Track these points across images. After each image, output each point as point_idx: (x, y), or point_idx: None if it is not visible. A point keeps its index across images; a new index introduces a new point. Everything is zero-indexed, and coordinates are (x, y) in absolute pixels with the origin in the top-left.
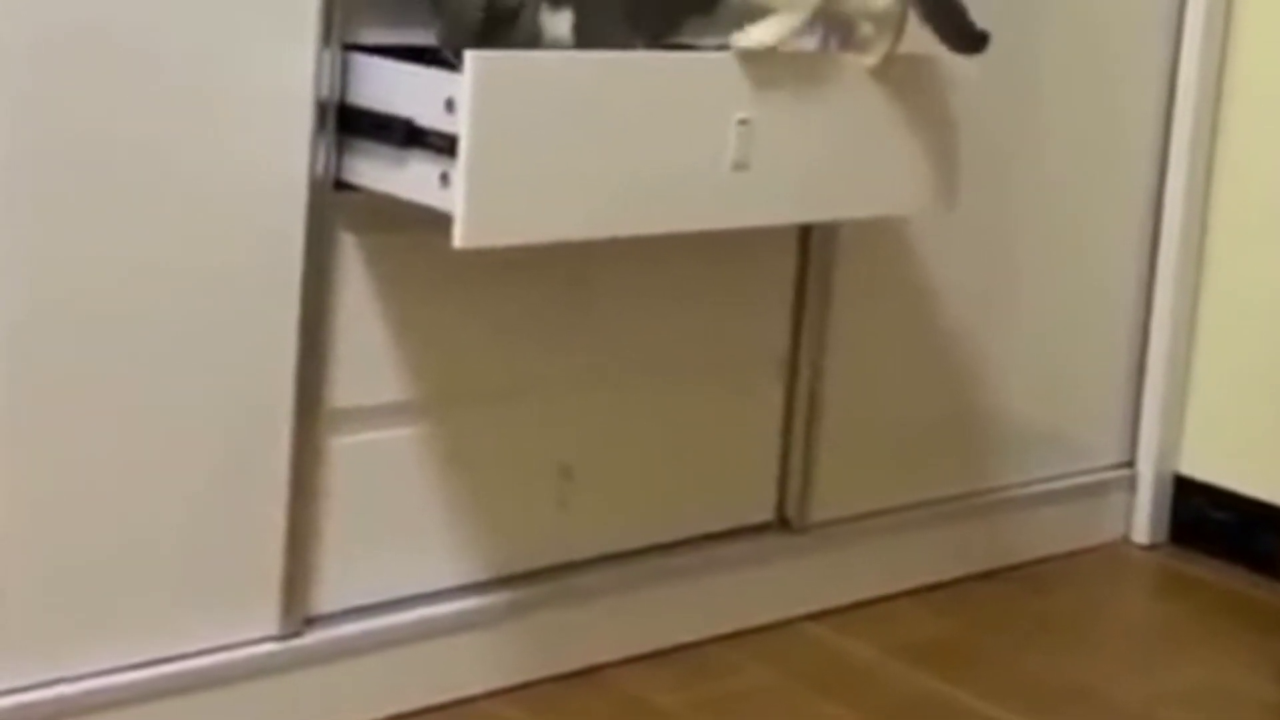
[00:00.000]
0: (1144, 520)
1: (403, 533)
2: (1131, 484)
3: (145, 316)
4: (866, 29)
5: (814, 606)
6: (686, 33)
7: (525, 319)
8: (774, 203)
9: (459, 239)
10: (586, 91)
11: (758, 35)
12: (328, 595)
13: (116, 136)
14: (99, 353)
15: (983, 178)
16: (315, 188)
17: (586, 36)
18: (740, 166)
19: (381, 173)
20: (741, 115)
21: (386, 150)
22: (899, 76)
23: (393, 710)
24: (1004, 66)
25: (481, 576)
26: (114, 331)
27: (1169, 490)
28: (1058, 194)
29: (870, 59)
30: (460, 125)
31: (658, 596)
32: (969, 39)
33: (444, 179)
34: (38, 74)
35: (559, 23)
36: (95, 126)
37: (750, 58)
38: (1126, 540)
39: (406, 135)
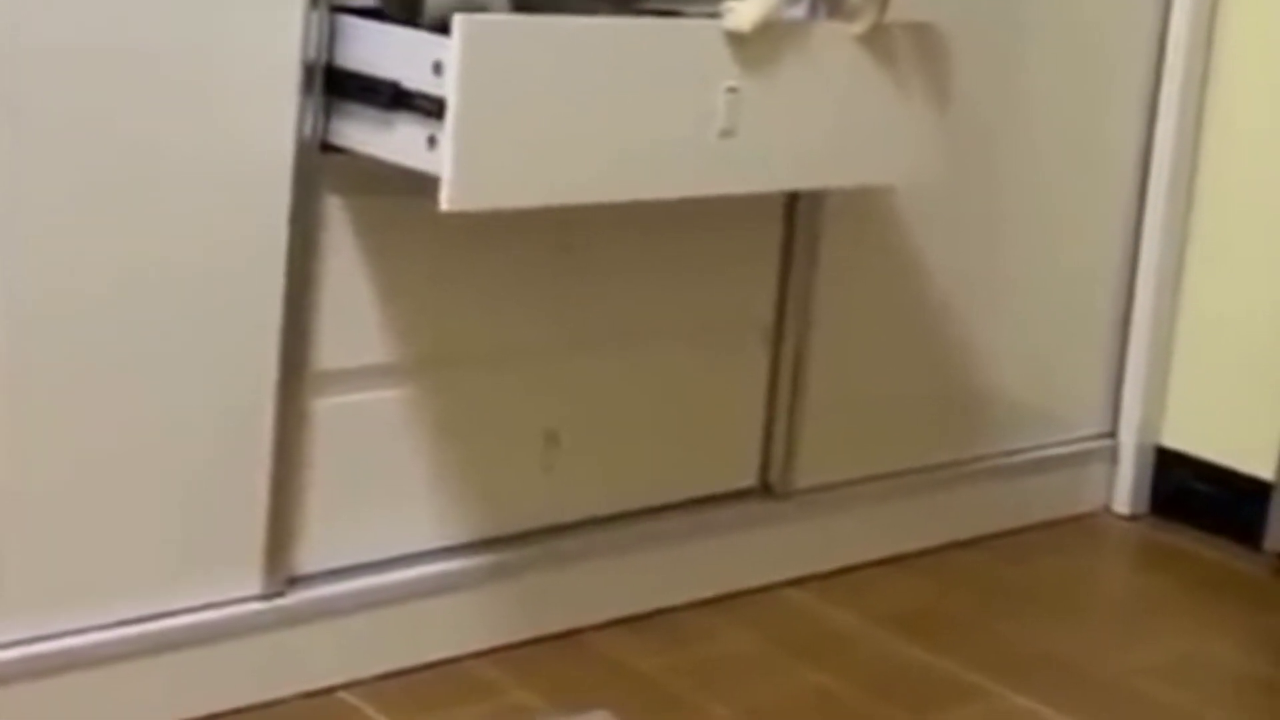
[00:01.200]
0: (1125, 491)
1: (387, 494)
2: (1113, 455)
3: (131, 280)
4: None
5: (797, 572)
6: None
7: (512, 283)
8: (761, 170)
9: (446, 202)
10: (575, 56)
11: (746, 13)
12: (311, 556)
13: (102, 101)
14: (87, 319)
15: (968, 150)
16: (302, 150)
17: (537, 4)
18: (727, 134)
19: (368, 135)
20: (729, 83)
21: (373, 113)
22: (887, 46)
23: (375, 670)
24: (989, 41)
25: (465, 539)
26: (101, 297)
27: (1150, 461)
28: (1043, 166)
29: (857, 27)
30: (448, 88)
31: (641, 561)
32: None
33: (431, 142)
34: (17, 45)
35: (494, 5)
36: (79, 91)
37: None
38: (1108, 510)
39: (393, 98)
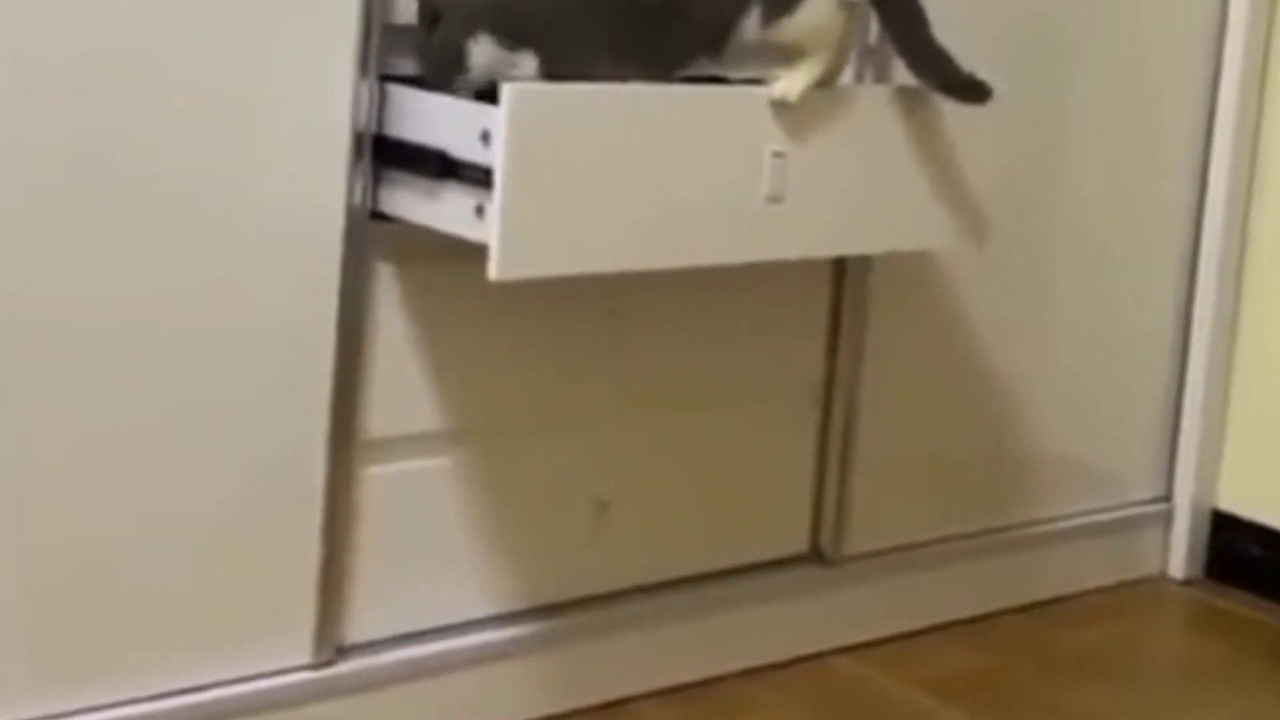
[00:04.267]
0: (1180, 555)
1: (436, 562)
2: (1168, 518)
3: (182, 347)
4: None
5: (848, 640)
6: (693, 69)
7: (561, 350)
8: (808, 236)
9: (494, 271)
10: (622, 124)
11: (794, 84)
12: (361, 624)
13: (155, 168)
14: (136, 384)
15: (1018, 207)
16: (352, 218)
17: (566, 73)
18: (774, 199)
19: (417, 204)
20: (776, 148)
21: (422, 182)
22: (933, 110)
23: None
24: (1039, 97)
25: (514, 607)
26: (151, 362)
27: (1206, 525)
28: (1093, 223)
29: (778, 90)
30: (495, 158)
31: (691, 629)
32: (964, 88)
33: (479, 211)
34: (77, 111)
35: (522, 67)
36: (133, 159)
37: None
38: (1163, 575)
39: (441, 167)
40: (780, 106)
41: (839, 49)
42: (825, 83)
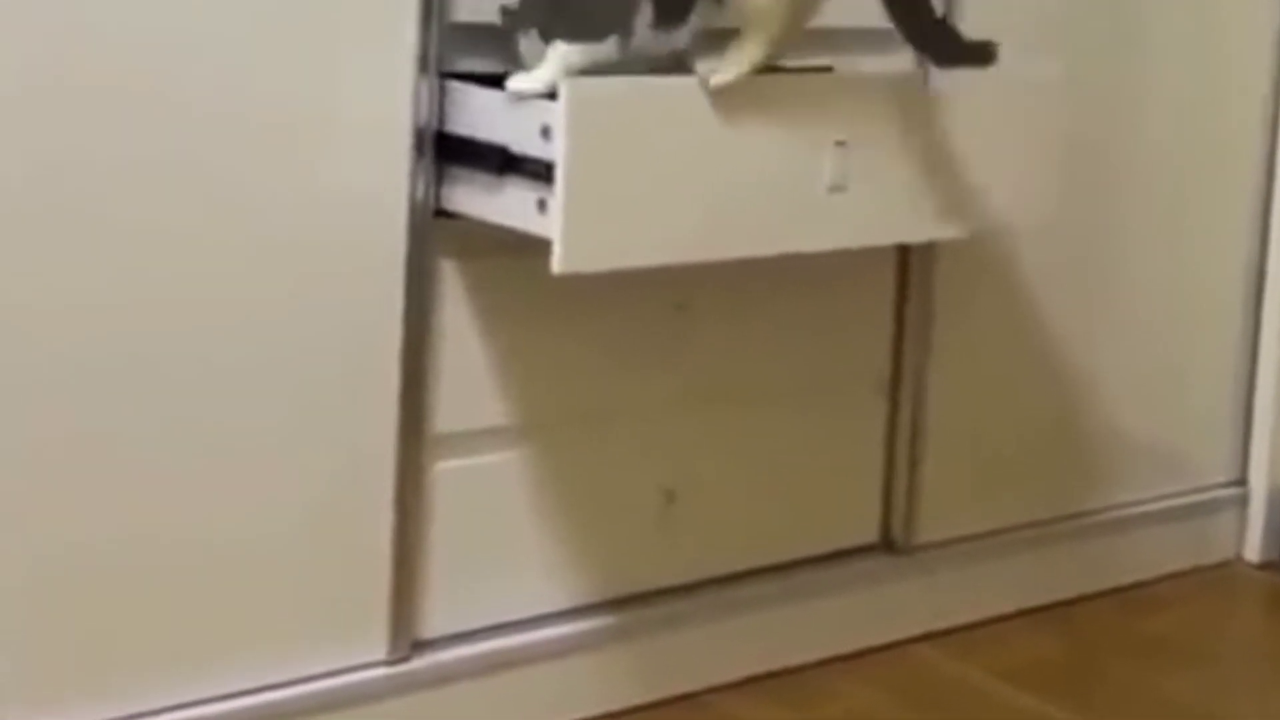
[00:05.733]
0: (1256, 538)
1: (508, 556)
2: (1243, 502)
3: (251, 345)
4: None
5: (921, 629)
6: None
7: (626, 342)
8: (871, 224)
9: (558, 265)
10: (682, 116)
11: (730, 71)
12: (435, 620)
13: (222, 169)
14: (205, 381)
15: (1084, 187)
16: (415, 214)
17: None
18: (837, 188)
19: (479, 200)
20: (838, 137)
21: (484, 177)
22: (996, 92)
23: None
24: (1106, 71)
25: (586, 600)
26: (220, 362)
27: None
28: (1162, 203)
29: (717, 78)
30: (557, 152)
31: (762, 620)
32: (966, 55)
33: (541, 205)
34: (134, 109)
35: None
36: (200, 160)
37: (846, 81)
38: (1239, 559)
39: (503, 162)
40: (842, 93)
41: (783, 32)
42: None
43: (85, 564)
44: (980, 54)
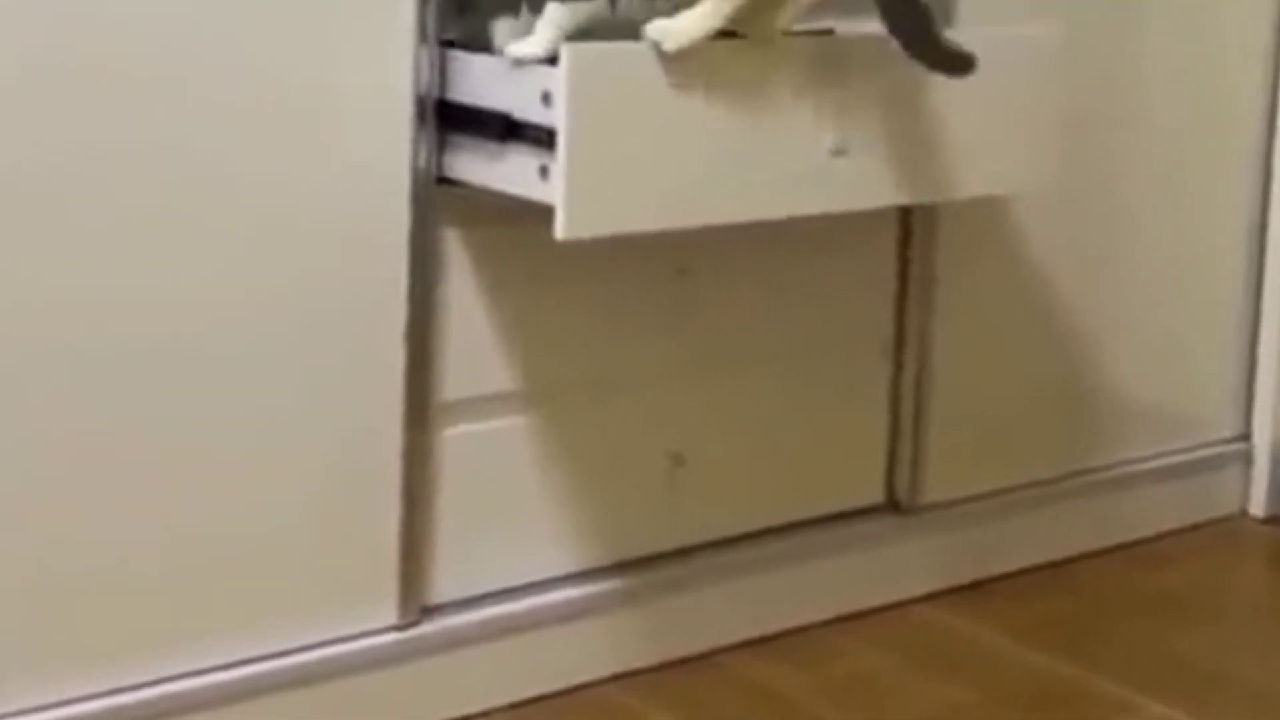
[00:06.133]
0: (1261, 493)
1: (516, 521)
2: (1247, 457)
3: (256, 316)
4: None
5: (928, 588)
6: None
7: (630, 308)
8: (874, 187)
9: (560, 231)
10: (683, 80)
11: (684, 31)
12: (444, 585)
13: (223, 145)
14: (213, 354)
15: (1086, 151)
16: (418, 183)
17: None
18: (839, 152)
19: (481, 167)
20: (839, 101)
21: (486, 145)
22: (997, 55)
23: (513, 698)
24: (1105, 38)
25: (595, 564)
26: (228, 335)
27: None
28: (1163, 162)
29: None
30: (558, 118)
31: (770, 581)
32: (948, 62)
33: (543, 172)
34: (132, 89)
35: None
36: (200, 137)
37: (847, 44)
38: (1244, 514)
39: (505, 129)
40: (843, 57)
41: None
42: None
43: (104, 538)
44: (959, 64)
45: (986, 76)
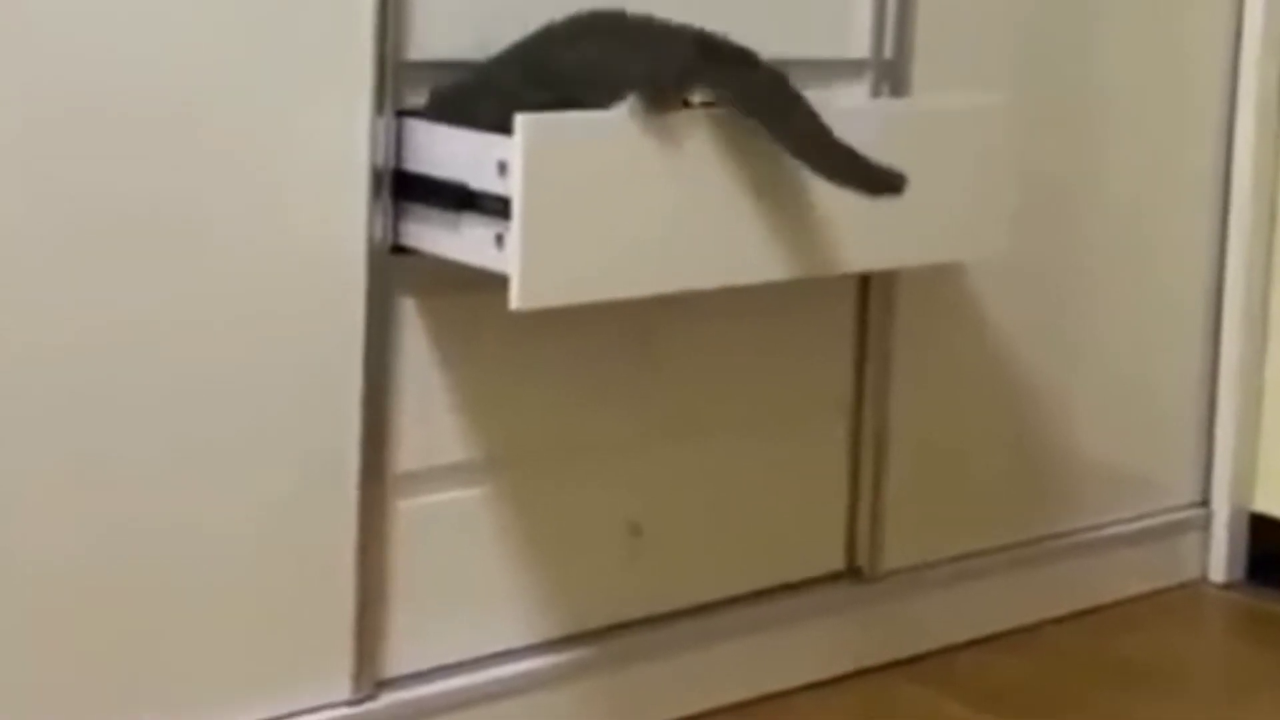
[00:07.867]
0: (1220, 559)
1: (471, 593)
2: (1206, 523)
3: (210, 385)
4: None
5: (890, 656)
6: None
7: (588, 376)
8: (830, 254)
9: (516, 300)
10: (637, 148)
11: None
12: (400, 658)
13: (181, 209)
14: (165, 421)
15: (1043, 214)
16: (374, 253)
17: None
18: (796, 218)
19: (438, 236)
20: (793, 169)
21: (442, 214)
22: (953, 123)
23: None
24: (1062, 102)
25: (553, 635)
26: (179, 400)
27: (1245, 528)
28: (1121, 229)
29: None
30: (513, 188)
31: (731, 650)
32: (876, 182)
33: (499, 240)
34: (111, 156)
35: None
36: (158, 200)
37: None
38: (1204, 580)
39: (461, 199)
40: None
41: None
42: None
43: (45, 603)
44: (890, 182)
45: (937, 145)
